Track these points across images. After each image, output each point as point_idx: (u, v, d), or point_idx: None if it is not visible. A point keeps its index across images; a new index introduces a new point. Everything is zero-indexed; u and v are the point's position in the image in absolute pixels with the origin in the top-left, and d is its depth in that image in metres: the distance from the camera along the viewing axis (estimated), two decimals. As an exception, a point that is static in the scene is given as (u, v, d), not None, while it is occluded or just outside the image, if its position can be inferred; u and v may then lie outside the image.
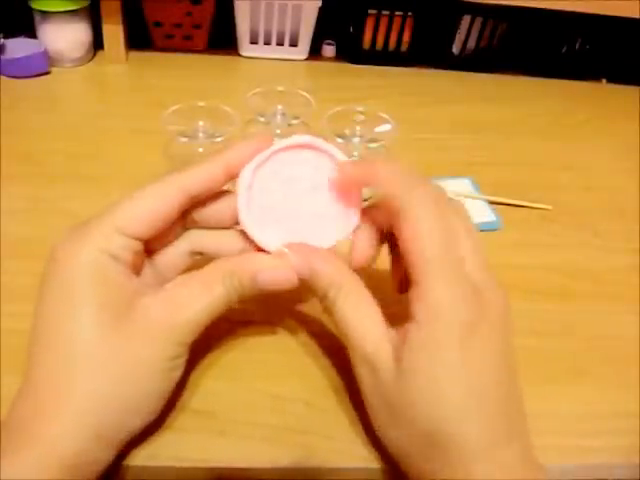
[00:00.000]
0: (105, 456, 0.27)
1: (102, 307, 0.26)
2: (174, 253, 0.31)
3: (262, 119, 0.47)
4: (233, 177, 0.29)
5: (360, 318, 0.28)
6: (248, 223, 0.30)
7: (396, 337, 0.27)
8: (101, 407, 0.26)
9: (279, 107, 0.47)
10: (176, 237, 0.31)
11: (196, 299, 0.27)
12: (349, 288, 0.28)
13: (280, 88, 0.49)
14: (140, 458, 0.29)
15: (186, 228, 0.31)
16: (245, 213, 0.30)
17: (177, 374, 0.28)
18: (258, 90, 0.48)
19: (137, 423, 0.28)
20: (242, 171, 0.29)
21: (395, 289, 0.32)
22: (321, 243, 0.30)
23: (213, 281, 0.28)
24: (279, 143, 0.30)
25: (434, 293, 0.26)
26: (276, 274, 0.29)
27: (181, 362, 0.28)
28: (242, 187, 0.29)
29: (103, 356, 0.26)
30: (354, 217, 0.31)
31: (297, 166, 0.30)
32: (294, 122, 0.47)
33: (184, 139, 0.42)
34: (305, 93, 0.48)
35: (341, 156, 0.30)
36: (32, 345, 0.27)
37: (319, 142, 0.30)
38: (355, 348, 0.28)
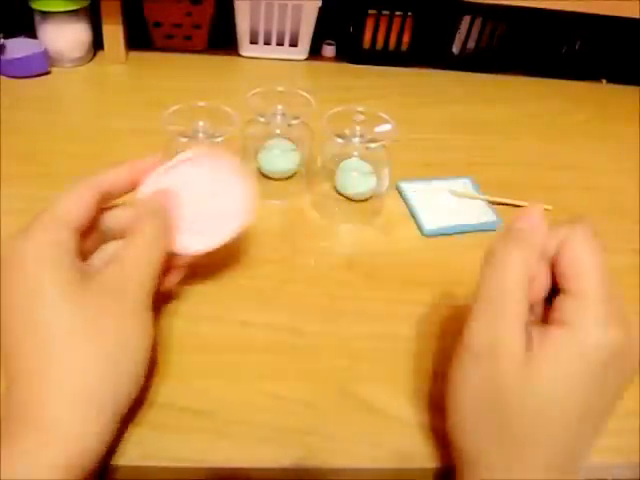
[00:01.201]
0: (108, 435, 0.27)
1: (63, 288, 0.27)
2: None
3: (262, 119, 0.47)
4: (137, 181, 0.33)
5: None
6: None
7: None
8: (93, 380, 0.26)
9: (279, 107, 0.47)
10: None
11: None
12: None
13: (280, 88, 0.49)
14: (139, 458, 0.29)
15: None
16: None
17: (149, 325, 0.30)
18: (258, 90, 0.48)
19: (130, 387, 0.28)
20: (140, 189, 0.33)
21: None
22: (223, 238, 0.35)
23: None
24: (177, 157, 0.35)
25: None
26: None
27: (150, 314, 0.30)
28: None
29: (79, 330, 0.27)
30: (249, 214, 0.36)
31: (196, 175, 0.35)
32: (294, 122, 0.47)
33: (184, 139, 0.42)
34: (305, 93, 0.48)
35: (236, 164, 0.36)
36: (5, 344, 0.27)
37: (213, 154, 0.36)
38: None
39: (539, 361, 0.26)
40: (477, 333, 0.28)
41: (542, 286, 0.29)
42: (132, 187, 0.33)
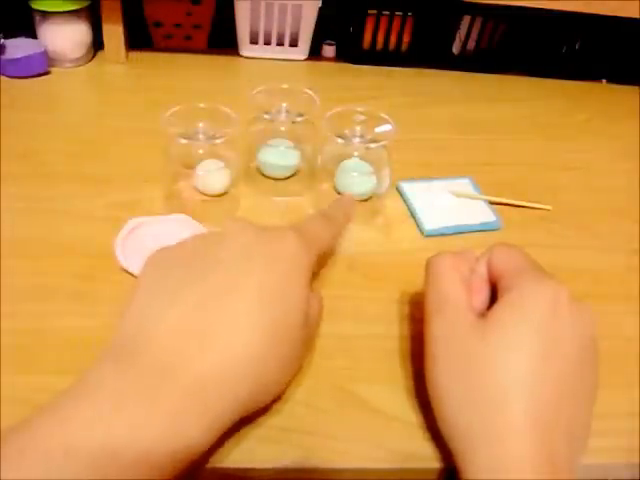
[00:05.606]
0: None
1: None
2: None
3: (267, 116, 0.47)
4: None
5: None
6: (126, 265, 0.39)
7: None
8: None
9: (284, 105, 0.47)
10: None
11: None
12: None
13: (285, 85, 0.49)
14: (140, 458, 0.29)
15: None
16: (122, 258, 0.39)
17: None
18: (262, 88, 0.48)
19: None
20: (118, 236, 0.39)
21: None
22: None
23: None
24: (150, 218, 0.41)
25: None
26: None
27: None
28: (119, 238, 0.40)
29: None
30: None
31: (165, 227, 0.41)
32: (299, 119, 0.47)
33: (184, 141, 0.42)
34: (310, 91, 0.48)
35: (200, 226, 0.41)
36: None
37: (183, 217, 0.42)
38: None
39: (488, 318, 0.29)
40: (429, 295, 0.32)
41: (483, 300, 0.32)
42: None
